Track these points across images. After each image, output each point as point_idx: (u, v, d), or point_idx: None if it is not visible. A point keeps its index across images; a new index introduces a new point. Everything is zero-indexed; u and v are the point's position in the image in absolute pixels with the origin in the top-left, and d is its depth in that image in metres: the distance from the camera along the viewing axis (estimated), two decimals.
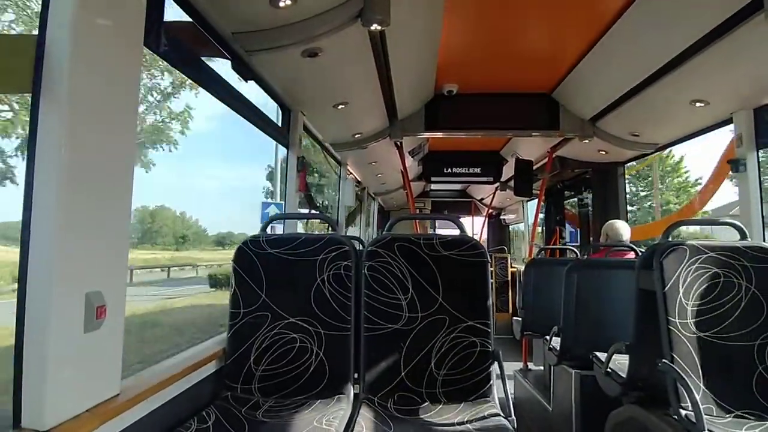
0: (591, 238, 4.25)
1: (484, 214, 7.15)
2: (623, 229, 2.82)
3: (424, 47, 2.23)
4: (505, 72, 2.75)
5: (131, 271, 12.14)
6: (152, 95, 12.21)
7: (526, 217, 6.25)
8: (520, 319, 3.18)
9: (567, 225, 5.19)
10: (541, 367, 3.12)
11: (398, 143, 3.38)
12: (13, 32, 7.56)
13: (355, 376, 1.60)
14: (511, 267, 5.83)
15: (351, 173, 4.19)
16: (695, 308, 1.41)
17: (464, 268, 1.63)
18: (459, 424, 1.40)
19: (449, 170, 4.59)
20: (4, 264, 8.18)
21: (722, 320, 1.41)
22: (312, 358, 1.58)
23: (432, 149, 4.29)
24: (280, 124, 2.34)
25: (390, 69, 2.24)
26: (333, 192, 5.62)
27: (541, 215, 5.04)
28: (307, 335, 1.59)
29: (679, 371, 1.32)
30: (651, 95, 2.31)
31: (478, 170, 4.60)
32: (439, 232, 4.88)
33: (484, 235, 7.37)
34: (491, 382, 1.57)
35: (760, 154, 2.23)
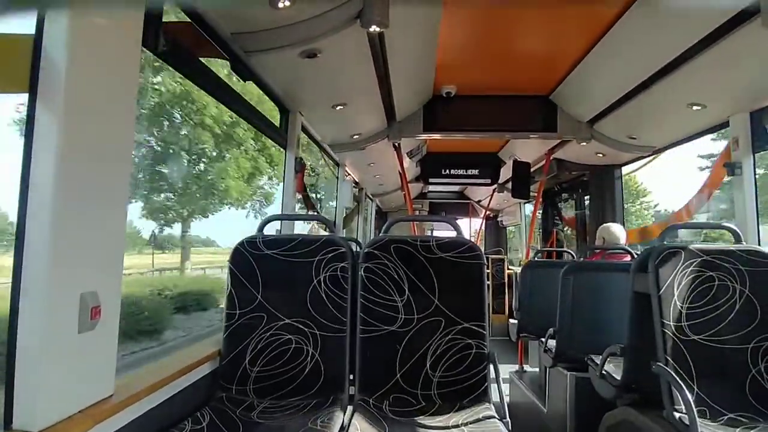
0: (587, 240, 4.26)
1: (482, 216, 7.15)
2: (619, 231, 2.83)
3: (422, 49, 2.24)
4: (503, 74, 2.75)
5: None
6: None
7: (524, 219, 6.26)
8: (516, 321, 3.18)
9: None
10: (537, 369, 3.12)
11: (396, 144, 3.38)
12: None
13: (351, 377, 1.60)
14: (508, 269, 5.83)
15: (349, 174, 4.19)
16: (689, 311, 1.41)
17: (460, 270, 1.63)
18: (454, 426, 1.40)
19: (447, 171, 4.59)
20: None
21: (716, 323, 1.42)
22: (307, 360, 1.57)
23: (430, 150, 4.30)
24: (278, 125, 2.35)
25: (388, 70, 2.23)
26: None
27: (538, 217, 5.05)
28: (302, 336, 1.59)
29: (673, 374, 1.33)
30: (648, 98, 2.32)
31: (476, 172, 4.60)
32: (436, 233, 4.91)
33: (482, 237, 7.38)
34: (486, 383, 1.57)
35: (756, 158, 2.24)
